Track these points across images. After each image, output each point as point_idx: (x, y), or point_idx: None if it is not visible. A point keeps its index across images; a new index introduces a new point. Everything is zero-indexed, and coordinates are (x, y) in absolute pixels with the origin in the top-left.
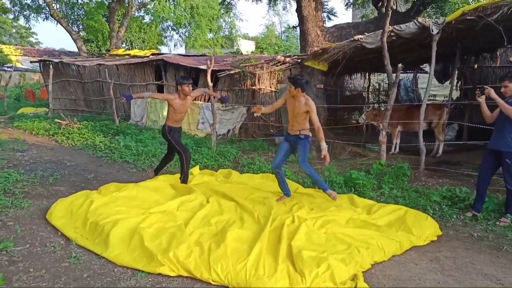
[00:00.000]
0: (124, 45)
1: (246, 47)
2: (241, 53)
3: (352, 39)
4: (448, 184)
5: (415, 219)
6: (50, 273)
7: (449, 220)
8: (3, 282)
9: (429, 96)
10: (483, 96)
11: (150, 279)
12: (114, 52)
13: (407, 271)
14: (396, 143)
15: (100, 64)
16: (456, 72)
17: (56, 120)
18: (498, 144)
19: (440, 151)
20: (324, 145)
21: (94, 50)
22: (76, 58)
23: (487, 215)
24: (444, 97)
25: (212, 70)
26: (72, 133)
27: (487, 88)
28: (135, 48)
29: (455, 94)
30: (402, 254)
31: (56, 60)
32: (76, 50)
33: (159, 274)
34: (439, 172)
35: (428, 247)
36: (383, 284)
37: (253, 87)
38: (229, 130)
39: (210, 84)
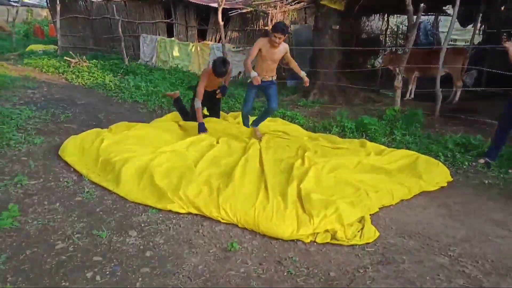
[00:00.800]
0: None
1: None
2: None
3: None
4: (463, 131)
5: (425, 165)
6: (64, 206)
7: (460, 167)
8: (19, 213)
9: (449, 41)
10: (511, 42)
11: (161, 215)
12: None
13: (414, 215)
14: (411, 89)
15: (107, 0)
16: (481, 14)
17: (65, 58)
18: None
19: (457, 98)
20: (303, 73)
21: None
22: None
23: (500, 163)
24: (465, 42)
25: (223, 9)
26: (81, 72)
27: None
28: None
29: (478, 38)
30: (411, 198)
31: None
32: None
33: (169, 210)
34: (454, 119)
35: (438, 193)
36: (390, 226)
37: (266, 28)
38: (240, 72)
39: (221, 23)
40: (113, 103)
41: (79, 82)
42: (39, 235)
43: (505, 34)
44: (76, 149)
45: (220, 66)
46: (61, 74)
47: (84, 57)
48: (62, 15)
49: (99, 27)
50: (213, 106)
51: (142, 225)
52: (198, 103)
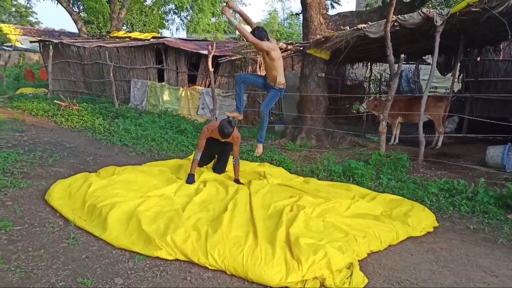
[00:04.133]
0: (125, 27)
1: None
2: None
3: (355, 28)
4: (447, 176)
5: (412, 210)
6: (48, 253)
7: (446, 212)
8: (2, 261)
9: (430, 88)
10: None
11: (147, 262)
12: (115, 34)
13: (402, 261)
14: (395, 134)
15: (100, 46)
16: (459, 64)
17: (55, 101)
18: None
19: (440, 143)
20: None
21: (94, 32)
22: (76, 39)
23: (484, 208)
24: (446, 89)
25: (213, 56)
26: (71, 115)
27: None
28: (136, 31)
29: (457, 86)
30: (398, 244)
31: (56, 41)
32: (76, 31)
33: (157, 257)
34: (437, 164)
35: (424, 238)
36: (378, 272)
37: None
38: (228, 117)
39: (211, 69)
40: (101, 147)
41: (68, 125)
42: (22, 283)
43: None
44: (63, 193)
45: (227, 126)
46: (50, 117)
47: (75, 101)
48: (54, 60)
49: (91, 71)
50: (224, 152)
51: (129, 272)
52: (197, 155)
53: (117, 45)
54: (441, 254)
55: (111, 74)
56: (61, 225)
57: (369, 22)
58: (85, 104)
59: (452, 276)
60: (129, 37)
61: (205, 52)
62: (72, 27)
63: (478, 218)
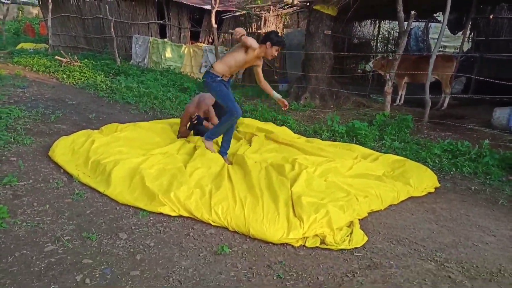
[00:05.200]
0: None
1: None
2: None
3: None
4: (451, 137)
5: (414, 170)
6: (53, 208)
7: (448, 173)
8: (8, 215)
9: (439, 47)
10: None
11: (151, 218)
12: None
13: (402, 220)
14: (401, 95)
15: (100, 0)
16: (470, 22)
17: (56, 57)
18: None
19: (446, 104)
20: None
21: None
22: None
23: (487, 169)
24: (455, 49)
25: (217, 11)
26: (72, 71)
27: None
28: None
29: (467, 46)
30: (399, 203)
31: None
32: None
33: (160, 213)
34: (442, 125)
35: (425, 198)
36: (378, 231)
37: (259, 31)
38: (232, 75)
39: (214, 25)
40: (104, 104)
41: (70, 82)
42: (28, 237)
43: None
44: (67, 150)
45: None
46: (51, 73)
47: (76, 57)
48: (53, 14)
49: (91, 26)
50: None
51: (133, 227)
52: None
53: None
54: (441, 214)
55: (112, 30)
56: (65, 181)
57: None
58: (86, 60)
59: (451, 235)
60: None
61: (208, 7)
62: None
63: (480, 179)
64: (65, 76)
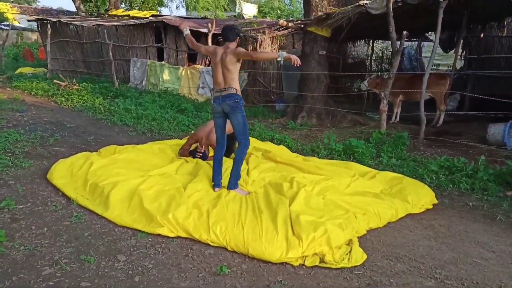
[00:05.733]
0: (123, 5)
1: (249, 10)
2: (243, 17)
3: (356, 4)
4: (447, 154)
5: (411, 187)
6: (51, 231)
7: (445, 189)
8: (6, 239)
9: (432, 65)
10: None
11: (150, 239)
12: (113, 13)
13: (401, 237)
14: (396, 112)
15: (99, 25)
16: (461, 41)
17: (55, 81)
18: None
19: (441, 121)
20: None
21: (92, 10)
22: (74, 18)
23: (484, 185)
24: (448, 67)
25: (213, 34)
26: (71, 95)
27: None
28: (135, 8)
29: (459, 63)
30: (398, 221)
31: (54, 20)
32: (74, 9)
33: (159, 234)
34: (438, 142)
35: (423, 215)
36: (377, 249)
37: None
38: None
39: None
40: (102, 126)
41: (68, 105)
42: (26, 260)
43: None
44: (65, 173)
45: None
46: (50, 97)
47: (74, 80)
48: (52, 39)
49: (90, 50)
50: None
51: (131, 249)
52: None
53: (116, 23)
54: (439, 230)
55: (110, 53)
56: (63, 203)
57: None
58: (84, 83)
59: (450, 252)
60: (127, 15)
61: (205, 30)
62: (70, 6)
63: (477, 195)
64: (63, 99)
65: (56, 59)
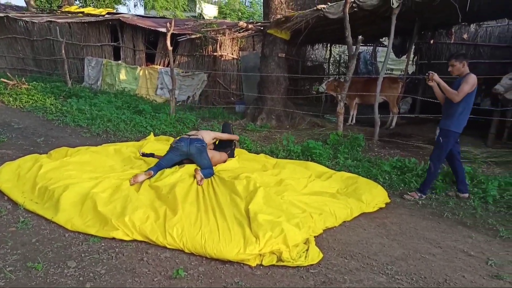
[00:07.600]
0: (77, 1)
1: (209, 11)
2: (204, 17)
3: (315, 8)
4: (399, 155)
5: (366, 187)
6: None
7: (397, 188)
8: None
9: (386, 70)
10: (434, 82)
11: (103, 244)
12: (67, 9)
13: (355, 236)
14: (353, 115)
15: (50, 21)
16: (413, 47)
17: (2, 79)
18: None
19: (394, 123)
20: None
21: (44, 6)
22: (24, 14)
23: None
24: (401, 71)
25: (172, 34)
26: (20, 94)
27: (430, 73)
28: (90, 5)
29: (411, 68)
30: (353, 220)
31: (2, 15)
32: (24, 4)
33: (113, 238)
34: (391, 143)
35: (377, 214)
36: (333, 247)
37: (215, 53)
38: (189, 97)
39: (170, 48)
40: (53, 127)
41: (16, 105)
42: None
43: (428, 73)
44: (12, 176)
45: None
46: None
47: (23, 79)
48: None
49: (41, 48)
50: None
51: (82, 255)
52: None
53: (69, 20)
54: (391, 228)
55: (63, 51)
56: (9, 208)
57: (329, 3)
58: (35, 82)
59: (401, 249)
60: (82, 12)
61: (164, 29)
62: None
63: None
64: (11, 99)
65: (3, 56)
